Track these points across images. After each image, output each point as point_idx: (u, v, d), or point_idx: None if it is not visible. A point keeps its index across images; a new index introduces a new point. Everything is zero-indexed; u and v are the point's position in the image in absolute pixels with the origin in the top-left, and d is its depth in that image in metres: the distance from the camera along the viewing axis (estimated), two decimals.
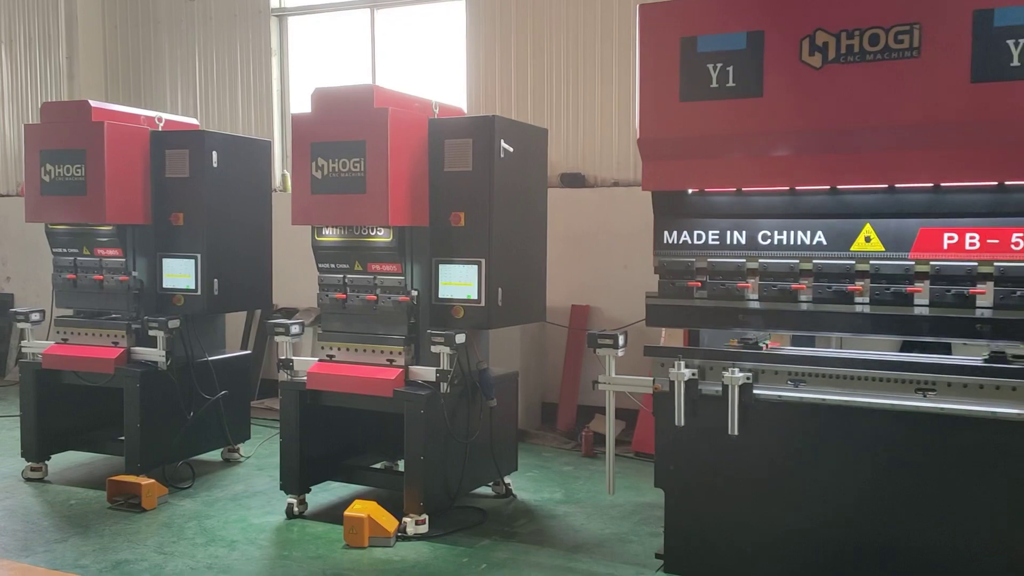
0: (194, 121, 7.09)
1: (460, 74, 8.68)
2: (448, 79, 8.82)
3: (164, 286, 6.28)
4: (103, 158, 5.87)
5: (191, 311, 6.23)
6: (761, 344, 4.52)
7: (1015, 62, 3.65)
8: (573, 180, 7.98)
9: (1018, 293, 3.83)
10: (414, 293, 5.29)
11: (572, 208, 7.80)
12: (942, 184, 3.94)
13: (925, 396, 4.02)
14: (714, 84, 4.18)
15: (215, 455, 6.79)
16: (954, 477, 3.99)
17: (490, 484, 5.93)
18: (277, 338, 5.60)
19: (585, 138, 8.06)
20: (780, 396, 4.28)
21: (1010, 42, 3.65)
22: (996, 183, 3.84)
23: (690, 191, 4.42)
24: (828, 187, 4.14)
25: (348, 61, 9.48)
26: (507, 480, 5.97)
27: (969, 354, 4.31)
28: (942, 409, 3.97)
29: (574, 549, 4.98)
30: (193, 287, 6.20)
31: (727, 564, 4.42)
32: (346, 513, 5.03)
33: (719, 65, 4.16)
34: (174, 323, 6.00)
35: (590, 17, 7.97)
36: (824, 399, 4.19)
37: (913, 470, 4.06)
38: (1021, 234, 3.83)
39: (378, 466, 6.10)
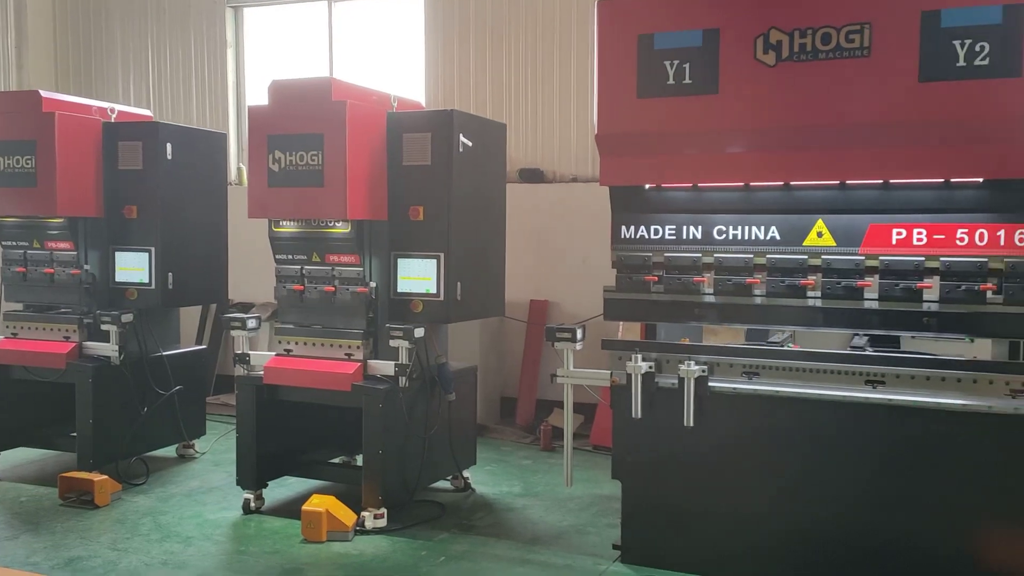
0: (148, 112, 6.99)
1: (419, 69, 8.66)
2: (407, 74, 8.80)
3: (117, 280, 6.19)
4: (54, 149, 5.76)
5: (145, 305, 6.14)
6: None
7: (961, 62, 3.75)
8: (532, 176, 8.02)
9: (963, 287, 3.95)
10: (372, 284, 5.28)
11: (531, 203, 7.83)
12: (891, 181, 4.03)
13: (875, 388, 4.12)
14: (671, 81, 4.24)
15: (170, 451, 6.71)
16: (902, 465, 4.10)
17: (448, 478, 5.94)
18: (233, 332, 5.55)
19: (544, 134, 8.09)
20: (735, 388, 4.36)
21: (956, 43, 3.75)
22: (942, 180, 3.94)
23: (647, 187, 4.47)
24: (782, 183, 4.21)
25: (306, 54, 9.39)
26: (466, 474, 5.98)
27: (917, 346, 4.41)
28: (891, 400, 4.08)
29: (532, 541, 5.01)
30: (147, 281, 6.12)
31: (683, 553, 4.49)
32: (304, 508, 5.01)
33: (676, 62, 4.22)
34: (127, 317, 5.92)
35: (548, 13, 8.00)
36: (777, 391, 4.27)
37: (863, 459, 4.17)
38: (966, 230, 3.94)
39: (336, 461, 6.08)
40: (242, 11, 9.85)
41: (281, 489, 5.81)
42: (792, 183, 4.21)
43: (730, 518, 4.40)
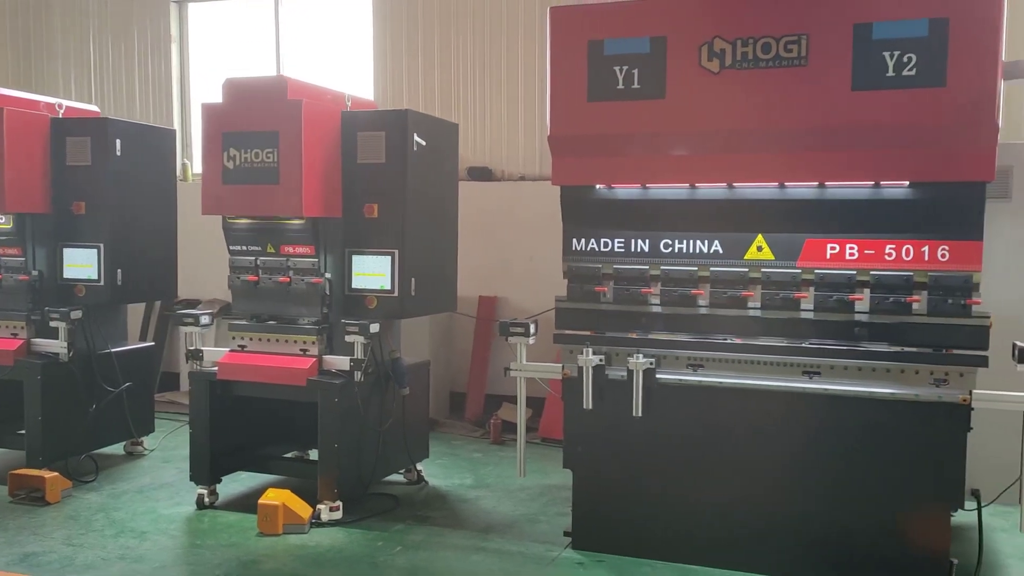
0: (95, 108, 6.94)
1: (368, 67, 8.73)
2: (355, 72, 8.87)
3: (65, 276, 6.16)
4: (2, 145, 5.71)
5: (93, 302, 6.12)
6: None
7: (890, 72, 4.00)
8: (481, 174, 8.16)
9: (890, 299, 4.21)
10: (327, 275, 5.35)
11: (480, 202, 7.96)
12: (826, 195, 4.26)
13: (811, 378, 4.36)
14: (620, 85, 4.42)
15: (118, 449, 6.69)
16: (838, 450, 4.35)
17: (402, 471, 6.05)
18: (186, 329, 5.56)
19: (492, 133, 8.24)
20: (680, 380, 4.56)
21: (886, 54, 4.00)
22: (872, 183, 4.19)
23: (599, 197, 4.63)
24: (725, 184, 4.43)
25: (253, 50, 9.38)
26: (419, 467, 6.10)
27: None
28: (826, 390, 4.32)
29: (486, 530, 5.16)
30: (96, 277, 6.10)
31: (631, 539, 4.68)
32: (260, 501, 5.08)
33: (625, 67, 4.40)
34: (76, 314, 5.90)
35: (496, 14, 8.15)
36: (720, 382, 4.49)
37: (802, 446, 4.40)
38: (894, 246, 4.20)
39: (289, 456, 6.13)
40: (186, 6, 9.80)
41: (235, 484, 5.86)
42: (735, 184, 4.41)
43: (677, 503, 4.60)
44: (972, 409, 4.14)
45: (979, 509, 4.58)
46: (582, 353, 4.59)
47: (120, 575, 4.47)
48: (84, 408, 6.09)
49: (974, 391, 4.11)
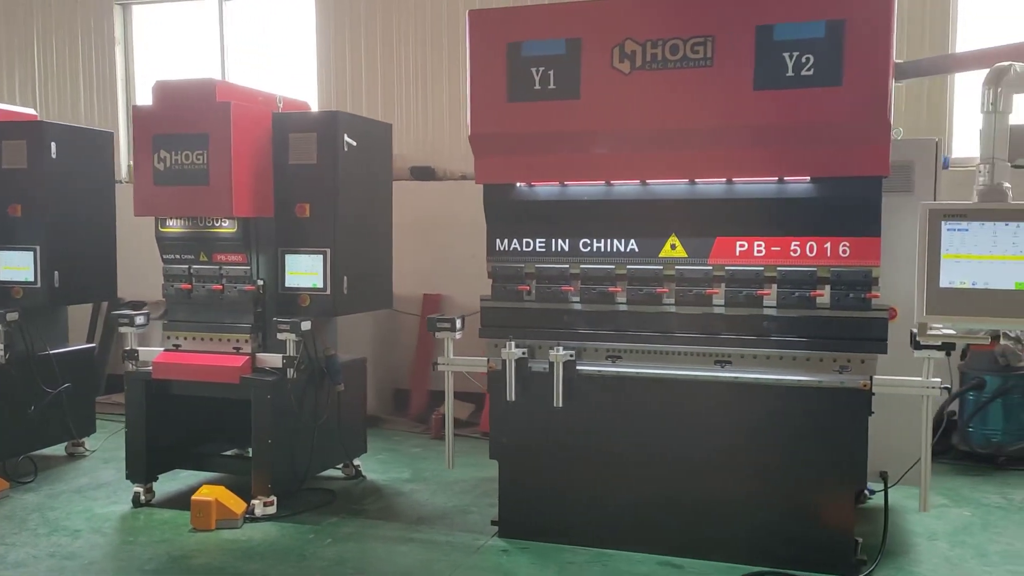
0: (32, 111, 6.96)
1: (311, 69, 8.81)
2: (300, 73, 8.94)
3: (1, 279, 6.18)
4: None
5: (30, 304, 6.15)
6: None
7: (790, 72, 4.17)
8: (423, 173, 8.27)
9: (796, 294, 4.38)
10: (260, 283, 5.44)
11: (422, 200, 8.08)
12: (735, 193, 4.43)
13: (723, 367, 4.53)
14: (537, 86, 4.55)
15: (59, 450, 6.72)
16: (748, 436, 4.52)
17: (340, 466, 6.15)
18: (122, 329, 5.63)
19: (434, 132, 8.36)
20: (600, 371, 4.71)
21: (786, 54, 4.17)
22: (776, 179, 4.37)
23: (521, 198, 4.76)
24: (639, 182, 4.57)
25: (197, 53, 9.41)
26: (356, 462, 6.20)
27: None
28: (736, 378, 4.49)
29: (417, 522, 5.27)
30: (32, 279, 6.13)
31: (555, 526, 4.82)
32: (193, 498, 5.15)
33: (541, 69, 4.54)
34: (12, 315, 5.93)
35: (436, 15, 8.26)
36: (637, 372, 4.65)
37: (716, 432, 4.57)
38: (798, 243, 4.38)
39: (229, 453, 6.20)
40: (131, 8, 9.79)
41: (173, 482, 5.92)
42: (648, 183, 4.56)
43: (597, 491, 4.75)
44: (873, 394, 4.32)
45: (885, 490, 4.78)
46: (505, 347, 4.73)
47: (49, 571, 4.52)
48: (22, 410, 6.11)
49: (874, 377, 4.30)
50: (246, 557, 4.71)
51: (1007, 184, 3.85)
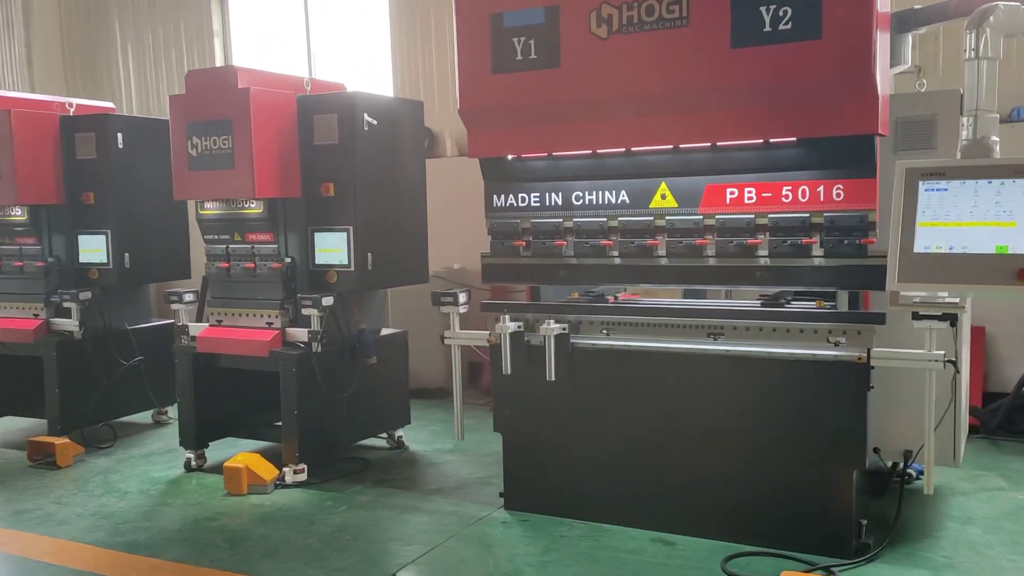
0: (110, 105, 7.48)
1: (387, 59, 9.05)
2: (378, 60, 9.20)
3: (81, 261, 6.73)
4: (11, 145, 6.29)
5: (106, 283, 6.66)
6: (609, 296, 4.86)
7: (767, 27, 3.92)
8: None
9: (788, 242, 4.15)
10: (288, 260, 5.67)
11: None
12: (719, 144, 4.23)
13: (716, 340, 4.36)
14: (519, 57, 4.49)
15: (146, 417, 7.26)
16: (744, 411, 4.34)
17: (384, 436, 6.35)
18: (172, 306, 6.02)
19: None
20: (594, 344, 4.64)
21: (763, 8, 3.92)
22: (762, 140, 4.13)
23: (510, 157, 4.74)
24: (624, 149, 4.44)
25: (289, 44, 9.80)
26: (399, 433, 6.37)
27: (751, 297, 4.63)
28: (728, 351, 4.31)
29: (435, 491, 5.38)
30: (105, 261, 6.63)
31: (556, 499, 4.81)
32: (226, 464, 5.47)
33: (523, 39, 4.47)
34: (84, 295, 6.44)
35: None
36: (629, 345, 4.54)
37: (710, 406, 4.41)
38: (789, 187, 4.14)
39: (279, 424, 6.50)
40: (227, 1, 10.30)
41: (231, 449, 6.26)
42: (634, 149, 4.42)
43: (595, 465, 4.69)
44: (872, 368, 4.04)
45: (904, 471, 4.47)
46: (499, 321, 4.73)
47: (85, 529, 4.93)
48: (99, 381, 6.65)
49: (872, 349, 4.02)
50: (261, 521, 4.97)
51: (994, 138, 3.49)
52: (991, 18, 3.46)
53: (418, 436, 6.55)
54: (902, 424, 4.49)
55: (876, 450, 4.56)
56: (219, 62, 10.27)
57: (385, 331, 6.33)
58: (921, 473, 5.25)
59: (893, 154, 4.40)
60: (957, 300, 3.72)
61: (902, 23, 4.40)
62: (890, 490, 4.77)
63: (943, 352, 3.88)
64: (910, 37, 4.47)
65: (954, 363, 3.92)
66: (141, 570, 4.35)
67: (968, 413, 5.22)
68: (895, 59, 4.44)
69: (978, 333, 6.64)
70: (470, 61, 4.63)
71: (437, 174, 6.88)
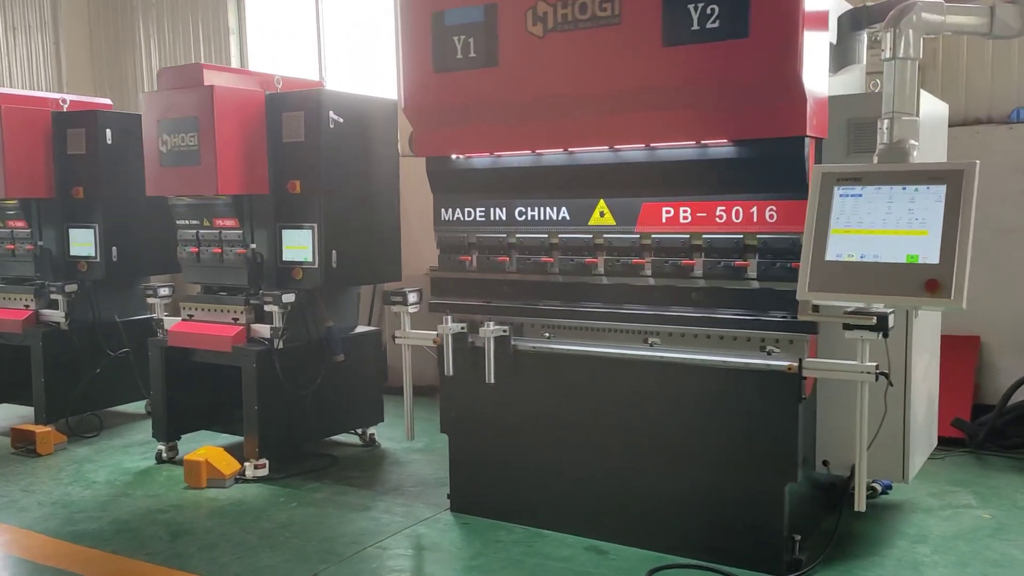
0: (107, 101, 7.64)
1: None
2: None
3: (71, 254, 6.88)
4: (1, 139, 6.46)
5: (93, 277, 6.80)
6: None
7: (695, 26, 3.81)
8: None
9: (722, 264, 4.03)
10: (252, 247, 5.71)
11: None
12: (656, 156, 4.11)
13: (651, 345, 4.26)
14: (459, 55, 4.45)
15: (140, 407, 7.40)
16: (678, 419, 4.23)
17: (357, 433, 6.37)
18: (148, 300, 6.12)
19: None
20: (533, 347, 4.58)
21: (691, 6, 3.81)
22: (695, 143, 4.01)
23: (459, 167, 4.68)
24: (563, 150, 4.36)
25: (303, 42, 9.86)
26: (371, 430, 6.38)
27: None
28: (662, 357, 4.21)
29: (391, 491, 5.37)
30: (93, 254, 6.77)
31: (498, 503, 4.76)
32: (186, 458, 5.54)
33: (463, 37, 4.43)
34: (70, 287, 6.59)
35: None
36: (568, 349, 4.47)
37: (645, 413, 4.31)
38: (723, 207, 4.02)
39: None
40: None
41: (210, 442, 6.33)
42: (573, 151, 4.34)
43: (536, 469, 4.63)
44: (804, 378, 3.90)
45: (845, 485, 4.31)
46: (442, 322, 4.70)
47: (41, 517, 5.04)
48: (85, 371, 6.79)
49: (804, 359, 3.88)
50: (210, 515, 5.02)
51: (912, 142, 3.32)
52: (913, 17, 3.30)
53: (394, 434, 6.54)
54: (852, 437, 4.33)
55: (825, 463, 4.42)
56: (235, 60, 10.40)
57: (360, 328, 6.35)
58: (888, 488, 5.09)
59: (846, 157, 4.24)
60: (892, 311, 3.57)
61: (855, 21, 4.24)
62: (848, 504, 4.61)
63: (875, 364, 3.73)
64: (864, 36, 4.30)
65: (887, 375, 3.76)
66: (76, 560, 4.42)
67: (923, 426, 5.02)
68: (846, 59, 4.30)
69: (972, 342, 6.40)
70: (413, 60, 4.60)
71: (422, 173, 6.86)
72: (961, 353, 6.34)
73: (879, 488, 5.06)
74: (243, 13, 10.44)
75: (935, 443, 4.99)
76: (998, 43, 6.21)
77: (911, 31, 3.29)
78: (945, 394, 5.50)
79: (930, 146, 4.42)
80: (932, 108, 4.53)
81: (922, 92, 4.26)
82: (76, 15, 11.38)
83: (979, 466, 5.65)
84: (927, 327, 4.52)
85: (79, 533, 4.77)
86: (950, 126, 6.22)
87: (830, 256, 3.30)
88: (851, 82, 4.46)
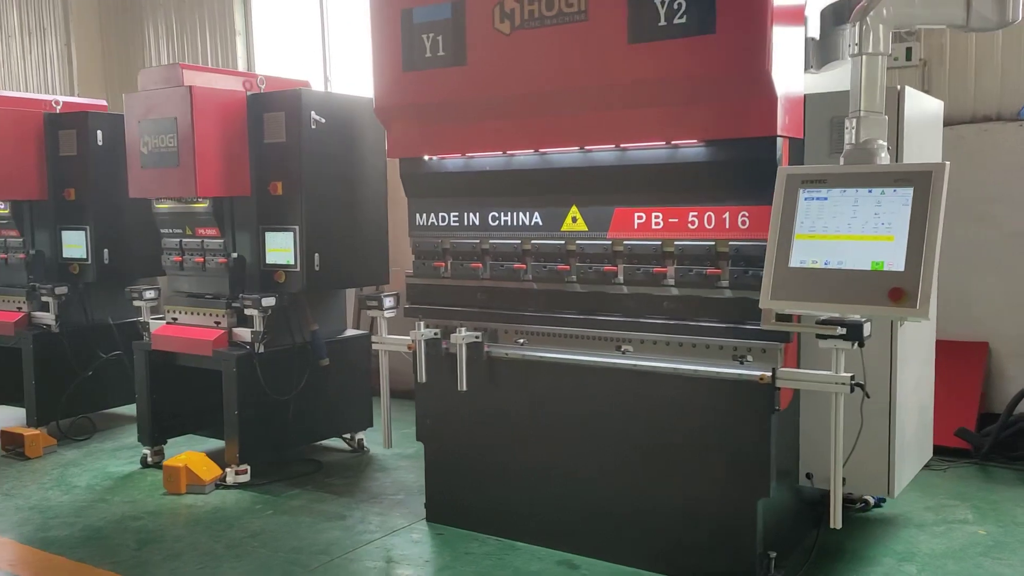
0: (102, 102, 7.62)
1: None
2: None
3: (64, 256, 6.86)
4: None
5: (85, 279, 6.77)
6: None
7: (662, 21, 3.66)
8: None
9: (694, 272, 3.87)
10: (234, 255, 5.63)
11: None
12: (627, 159, 3.96)
13: (623, 353, 4.11)
14: (428, 54, 4.33)
15: (133, 410, 7.35)
16: (651, 429, 4.08)
17: (345, 438, 6.28)
18: (134, 303, 6.07)
19: None
20: (507, 354, 4.45)
21: (658, 2, 3.66)
22: (666, 143, 3.86)
23: (431, 169, 4.56)
24: (533, 151, 4.23)
25: (310, 44, 9.80)
26: (359, 436, 6.29)
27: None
28: (634, 365, 4.06)
29: (370, 499, 5.26)
30: (84, 256, 6.75)
31: (472, 513, 4.63)
32: (165, 463, 5.48)
33: (431, 35, 4.31)
34: (61, 289, 6.57)
35: None
36: (541, 356, 4.33)
37: (617, 423, 4.17)
38: (695, 213, 3.86)
39: None
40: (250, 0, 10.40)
41: (198, 447, 6.28)
42: (545, 152, 4.20)
43: (509, 480, 4.50)
44: (778, 389, 3.73)
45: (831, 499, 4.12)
46: (415, 328, 4.59)
47: (16, 522, 5.01)
48: (77, 374, 6.76)
49: (778, 369, 3.71)
50: (183, 523, 4.95)
51: (880, 142, 3.14)
52: (883, 11, 3.12)
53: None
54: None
55: (809, 476, 4.25)
56: (241, 61, 10.37)
57: (348, 332, 6.26)
58: (881, 501, 4.90)
59: (828, 157, 4.05)
60: (867, 320, 3.39)
61: (838, 16, 4.06)
62: (849, 517, 4.42)
63: (850, 375, 3.55)
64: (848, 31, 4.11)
65: (862, 386, 3.57)
66: (38, 568, 4.37)
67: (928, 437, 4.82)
68: (831, 54, 4.12)
69: (980, 349, 6.16)
70: (383, 58, 4.49)
71: None
72: (968, 360, 6.11)
73: (871, 501, 4.87)
74: (249, 15, 10.41)
75: (929, 455, 4.78)
76: (1008, 39, 5.98)
77: (880, 25, 3.11)
78: (950, 402, 5.30)
79: (922, 145, 4.25)
80: (925, 106, 4.33)
81: (914, 90, 4.11)
82: (87, 18, 11.43)
83: (982, 478, 5.42)
84: (917, 336, 4.32)
85: (49, 540, 4.72)
86: (958, 124, 6.06)
87: (794, 263, 3.13)
88: (837, 78, 4.27)
